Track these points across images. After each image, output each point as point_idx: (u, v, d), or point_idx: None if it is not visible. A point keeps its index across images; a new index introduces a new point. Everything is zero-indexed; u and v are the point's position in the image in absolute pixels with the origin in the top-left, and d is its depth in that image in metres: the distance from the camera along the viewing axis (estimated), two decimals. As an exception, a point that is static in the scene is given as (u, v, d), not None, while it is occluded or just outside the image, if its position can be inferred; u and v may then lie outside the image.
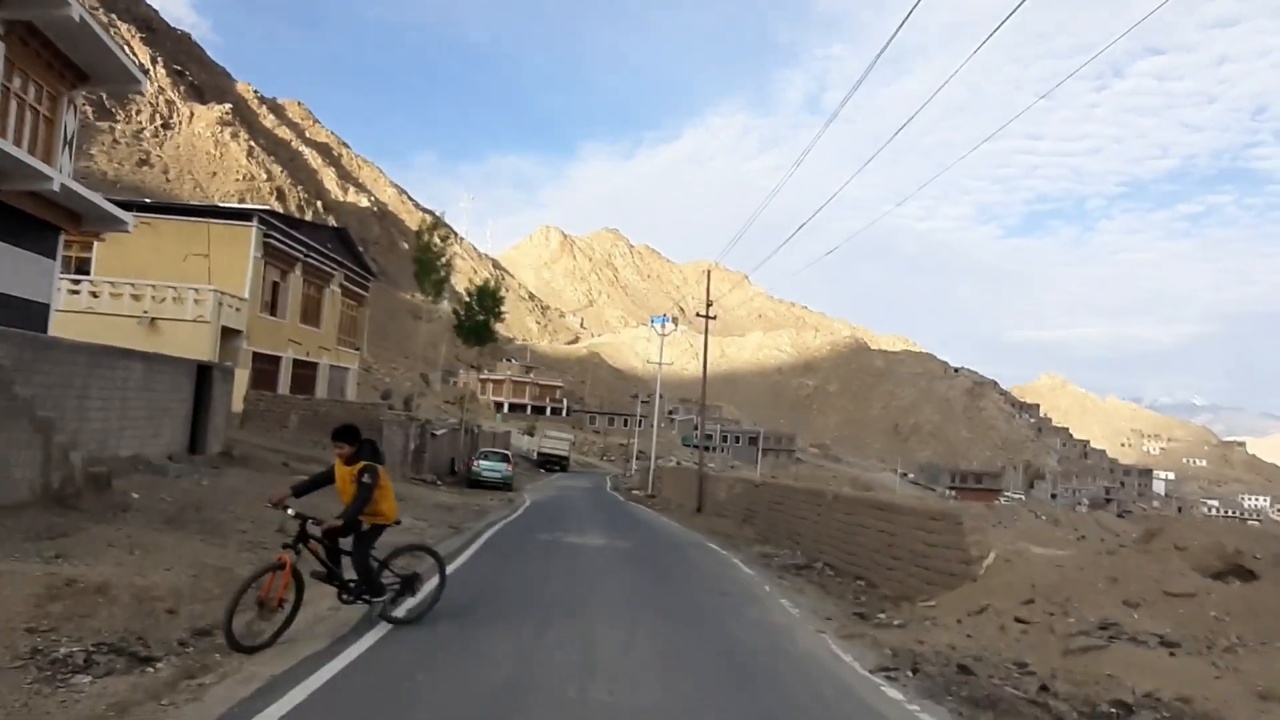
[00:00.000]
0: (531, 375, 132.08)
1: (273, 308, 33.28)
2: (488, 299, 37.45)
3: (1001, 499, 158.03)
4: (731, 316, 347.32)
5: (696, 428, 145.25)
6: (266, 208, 33.60)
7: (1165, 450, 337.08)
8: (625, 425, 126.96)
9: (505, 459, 34.81)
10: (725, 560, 14.68)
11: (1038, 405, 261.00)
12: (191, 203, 32.78)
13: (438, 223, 29.36)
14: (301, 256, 34.63)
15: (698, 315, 25.28)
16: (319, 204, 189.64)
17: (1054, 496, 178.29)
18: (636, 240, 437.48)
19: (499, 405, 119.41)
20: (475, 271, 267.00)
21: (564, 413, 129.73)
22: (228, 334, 29.45)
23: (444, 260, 29.07)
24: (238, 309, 29.61)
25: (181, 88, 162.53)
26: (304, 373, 36.47)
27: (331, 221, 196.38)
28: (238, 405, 27.97)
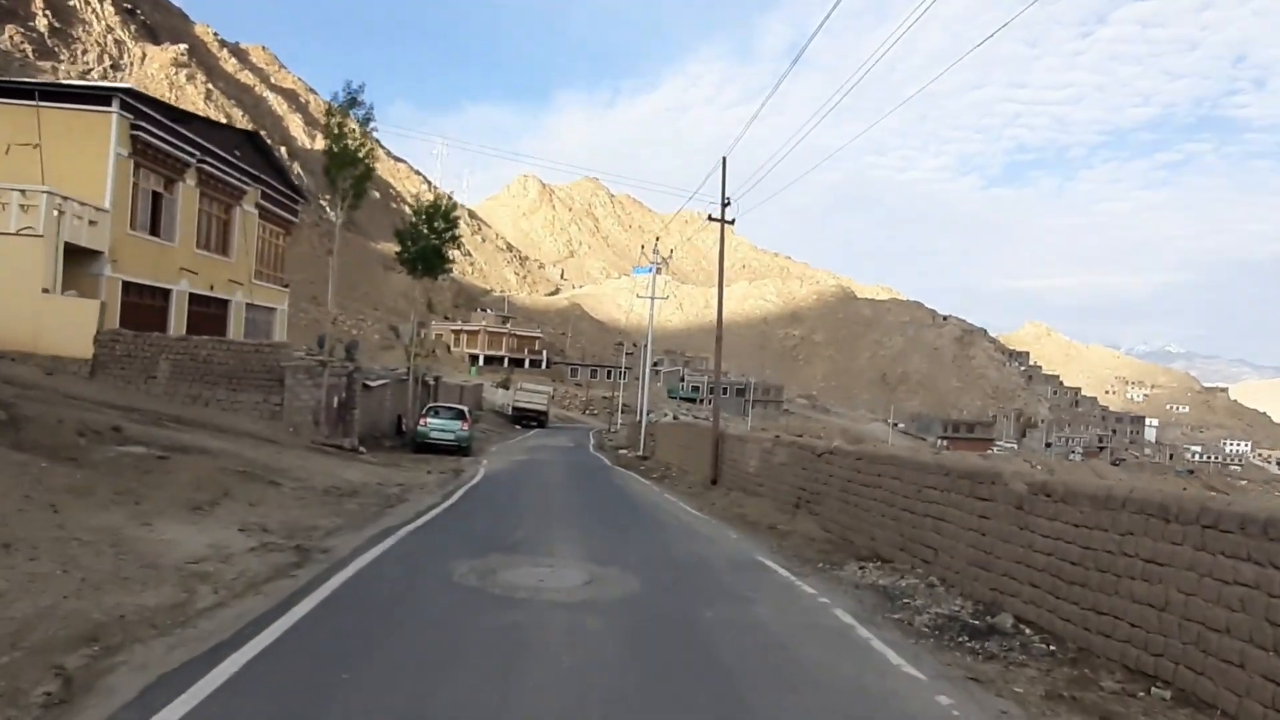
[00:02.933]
0: (508, 326, 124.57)
1: (153, 226, 25.73)
2: (438, 219, 29.95)
3: (994, 449, 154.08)
4: (714, 267, 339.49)
5: (683, 379, 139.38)
6: (133, 87, 25.79)
7: (1149, 397, 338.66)
8: (609, 377, 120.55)
9: (460, 415, 27.73)
10: (823, 613, 7.62)
11: (1027, 353, 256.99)
12: (18, 80, 24.64)
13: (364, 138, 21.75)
14: (194, 161, 26.97)
15: (710, 219, 18.15)
16: (283, 149, 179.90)
17: (1048, 445, 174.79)
18: (617, 189, 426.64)
19: (474, 358, 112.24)
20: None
21: (544, 365, 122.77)
22: (79, 255, 22.03)
23: (363, 151, 21.54)
24: (92, 222, 22.12)
25: (133, 27, 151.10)
26: (208, 312, 29.07)
27: (297, 169, 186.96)
28: (84, 348, 20.65)
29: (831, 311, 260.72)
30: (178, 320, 26.81)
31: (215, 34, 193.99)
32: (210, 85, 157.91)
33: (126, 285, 24.18)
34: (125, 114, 23.22)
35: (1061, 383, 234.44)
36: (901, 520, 9.84)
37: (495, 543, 10.12)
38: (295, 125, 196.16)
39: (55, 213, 20.62)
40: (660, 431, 33.63)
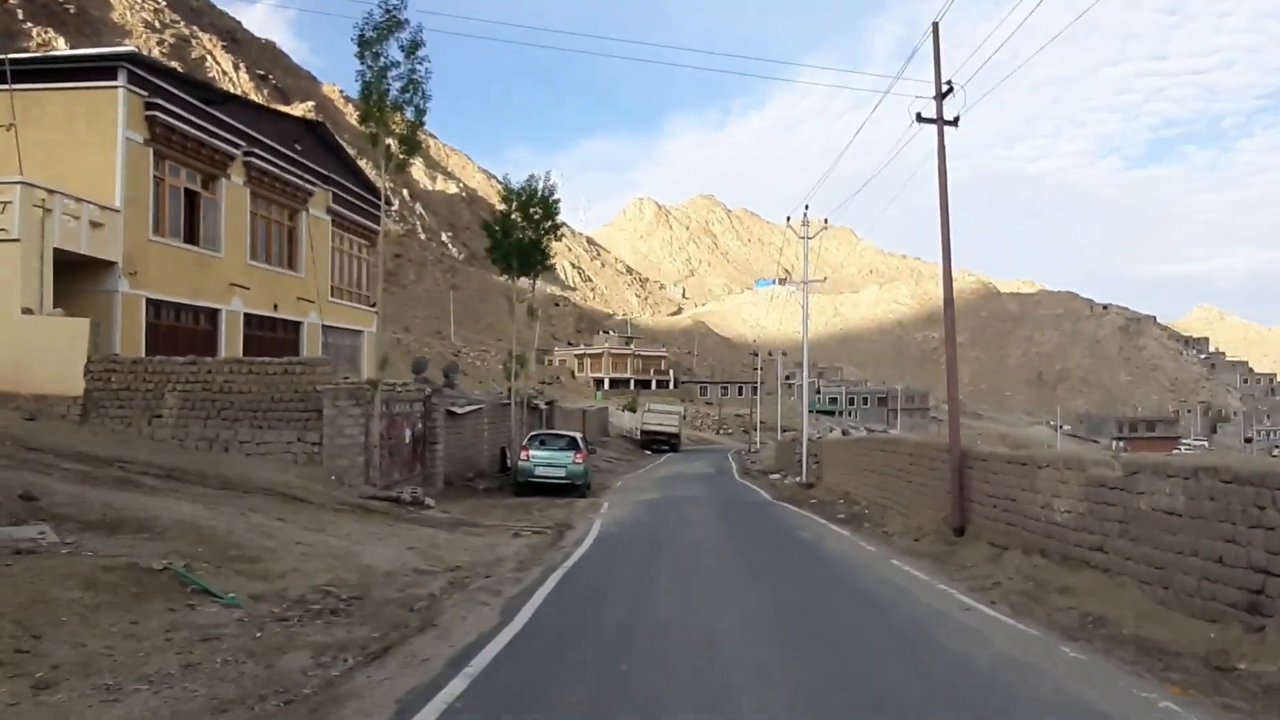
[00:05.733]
0: (632, 347, 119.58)
1: (190, 233, 21.04)
2: (534, 205, 24.10)
3: (1181, 447, 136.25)
4: (841, 274, 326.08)
5: (819, 391, 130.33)
6: (143, 54, 21.20)
7: None
8: (740, 394, 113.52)
9: (573, 445, 21.46)
10: None
11: (1206, 339, 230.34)
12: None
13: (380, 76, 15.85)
14: (240, 153, 22.28)
15: (919, 119, 11.09)
16: (405, 192, 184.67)
17: (1248, 441, 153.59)
18: (734, 205, 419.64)
19: (599, 382, 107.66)
20: (569, 250, 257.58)
21: (671, 385, 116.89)
22: (82, 267, 17.35)
23: (400, 116, 15.64)
24: (96, 224, 17.40)
25: (265, 91, 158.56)
26: (272, 336, 24.32)
27: (419, 210, 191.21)
28: (74, 383, 15.73)
29: (973, 310, 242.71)
30: (230, 347, 22.01)
31: (341, 91, 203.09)
32: (337, 136, 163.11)
33: (154, 304, 19.44)
34: (135, 89, 18.53)
35: (1251, 369, 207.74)
36: None
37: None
38: (417, 169, 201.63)
39: (38, 210, 15.90)
40: (827, 452, 26.36)
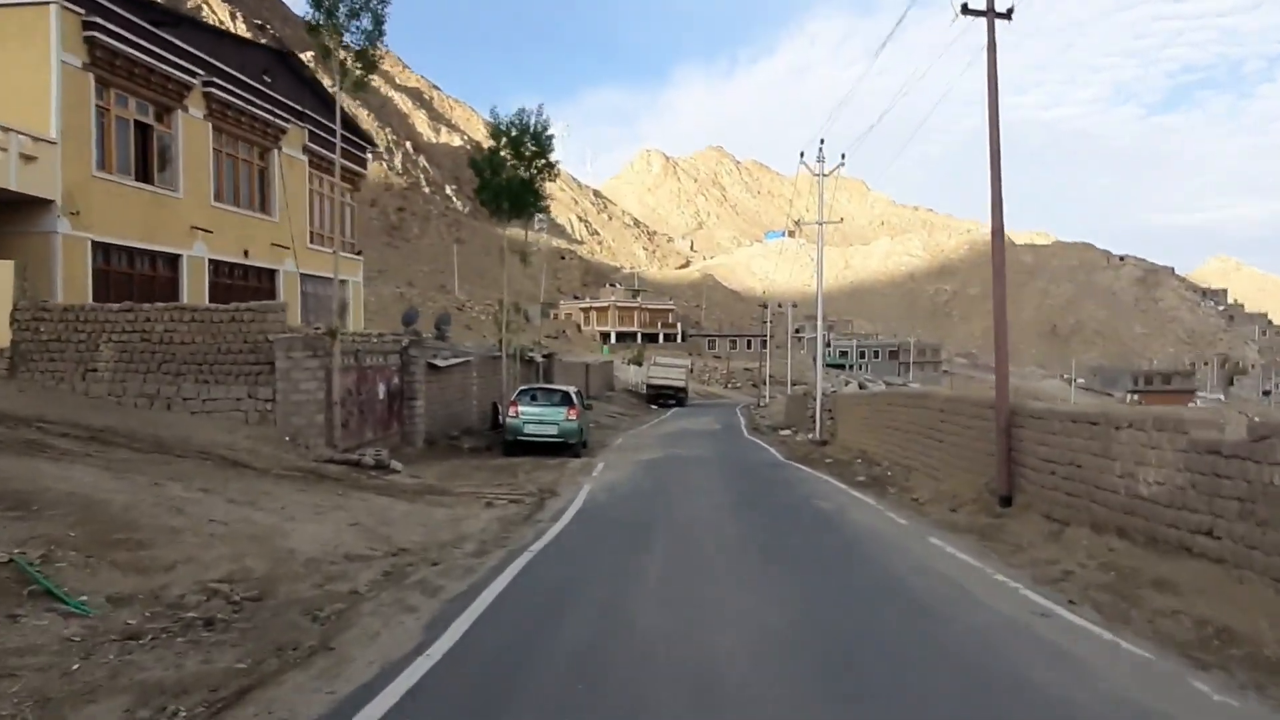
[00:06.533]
0: (639, 300, 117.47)
1: (143, 170, 19.11)
2: (525, 141, 22.03)
3: (1197, 400, 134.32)
4: (853, 226, 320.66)
5: (829, 344, 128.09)
6: None
7: None
8: (749, 347, 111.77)
9: (566, 400, 19.63)
10: None
11: (1224, 290, 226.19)
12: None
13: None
14: (199, 83, 20.23)
15: (964, 10, 8.97)
16: (408, 144, 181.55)
17: (1267, 394, 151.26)
18: (743, 156, 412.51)
19: (605, 336, 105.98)
20: (575, 203, 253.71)
21: (679, 339, 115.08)
22: (19, 206, 15.54)
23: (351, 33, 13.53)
24: (28, 157, 15.50)
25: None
26: (244, 285, 22.56)
27: (423, 163, 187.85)
28: (-2, 334, 14.00)
29: (987, 262, 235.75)
30: (194, 296, 20.22)
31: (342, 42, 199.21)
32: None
33: (102, 248, 17.63)
34: (71, 6, 16.48)
35: (1270, 321, 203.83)
36: None
37: None
38: (420, 121, 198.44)
39: (-50, 139, 14.02)
40: (842, 407, 24.54)
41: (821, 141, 25.34)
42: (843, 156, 25.03)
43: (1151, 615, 5.99)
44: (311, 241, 26.07)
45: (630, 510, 11.53)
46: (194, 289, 20.47)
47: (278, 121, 23.67)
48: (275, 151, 24.01)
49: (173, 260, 20.06)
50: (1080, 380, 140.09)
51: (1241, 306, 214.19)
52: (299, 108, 25.11)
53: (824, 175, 24.13)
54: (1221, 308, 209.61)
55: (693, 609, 6.48)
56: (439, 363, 19.35)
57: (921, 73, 15.16)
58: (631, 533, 9.81)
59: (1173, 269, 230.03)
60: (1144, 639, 5.64)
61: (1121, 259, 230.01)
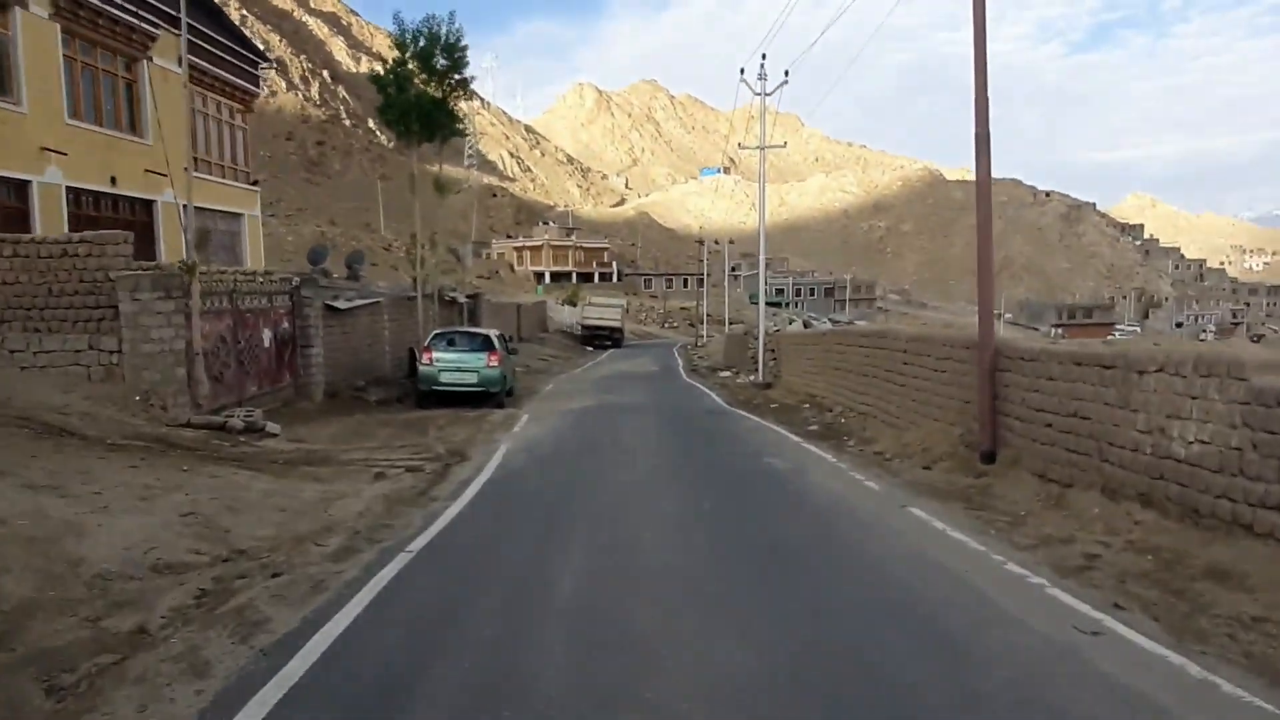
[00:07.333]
0: (573, 238, 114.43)
1: (-30, 77, 16.04)
2: (435, 50, 19.43)
3: (1115, 333, 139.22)
4: (787, 162, 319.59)
5: (766, 282, 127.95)
6: None
7: (1270, 265, 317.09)
8: (685, 286, 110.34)
9: (487, 345, 17.62)
10: None
11: (1141, 226, 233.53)
12: None
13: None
14: (37, -24, 17.03)
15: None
16: (325, 74, 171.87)
17: (1179, 325, 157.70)
18: (677, 90, 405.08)
19: (539, 276, 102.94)
20: (507, 139, 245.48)
21: (615, 278, 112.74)
22: None
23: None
24: None
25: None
26: (114, 217, 19.67)
27: (342, 94, 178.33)
28: None
29: (919, 198, 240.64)
30: (50, 229, 17.35)
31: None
32: (244, 11, 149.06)
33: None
34: None
35: (1183, 256, 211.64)
36: None
37: None
38: (339, 49, 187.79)
39: None
40: (786, 347, 23.09)
41: (764, 57, 23.23)
42: (785, 74, 23.12)
43: (1229, 626, 4.51)
44: (198, 169, 23.07)
45: (550, 480, 9.65)
46: (49, 222, 17.60)
47: (145, 27, 20.49)
48: (144, 62, 20.85)
49: (21, 187, 17.14)
50: (1008, 315, 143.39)
51: (1157, 241, 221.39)
52: (171, 11, 21.85)
53: (766, 95, 22.20)
54: (1139, 243, 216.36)
55: (623, 655, 4.46)
56: (340, 304, 17.06)
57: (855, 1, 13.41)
58: (546, 517, 7.88)
59: (1094, 205, 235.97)
60: (1235, 666, 4.08)
61: (1047, 195, 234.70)
